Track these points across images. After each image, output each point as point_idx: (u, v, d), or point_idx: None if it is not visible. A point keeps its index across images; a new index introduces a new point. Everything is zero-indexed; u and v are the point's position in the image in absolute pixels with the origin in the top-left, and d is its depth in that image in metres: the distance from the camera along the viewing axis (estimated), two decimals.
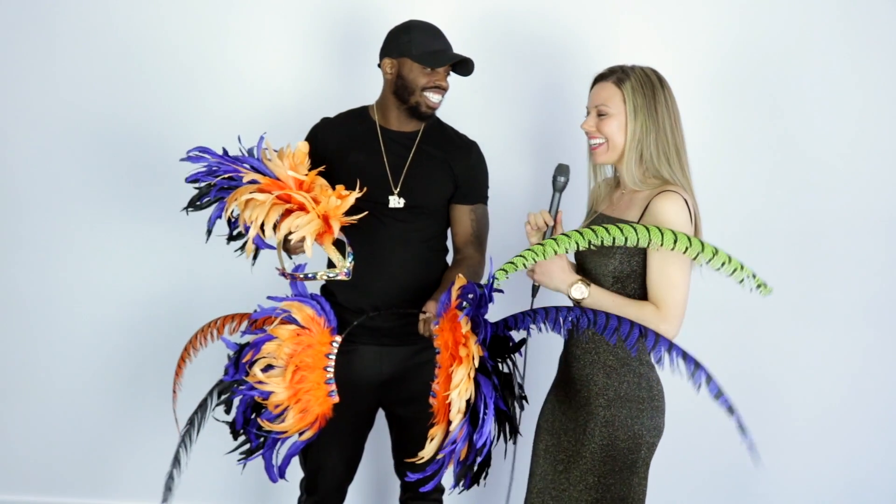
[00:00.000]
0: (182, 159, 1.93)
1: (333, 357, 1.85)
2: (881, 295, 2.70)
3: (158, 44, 2.67)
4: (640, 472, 1.87)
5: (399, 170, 2.14)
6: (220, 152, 1.94)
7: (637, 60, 1.89)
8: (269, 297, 1.89)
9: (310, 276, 1.89)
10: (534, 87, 2.68)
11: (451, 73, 2.12)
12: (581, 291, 1.78)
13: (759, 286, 1.60)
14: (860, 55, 2.62)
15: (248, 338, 1.88)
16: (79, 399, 2.80)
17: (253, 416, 1.86)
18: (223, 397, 1.87)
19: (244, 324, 1.97)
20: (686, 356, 1.50)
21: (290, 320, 1.83)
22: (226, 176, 1.86)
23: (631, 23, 2.64)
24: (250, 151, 1.93)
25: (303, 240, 1.82)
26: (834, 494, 2.79)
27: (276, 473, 1.89)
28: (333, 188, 2.15)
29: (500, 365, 1.68)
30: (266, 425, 1.80)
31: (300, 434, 1.83)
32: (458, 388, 1.57)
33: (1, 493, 2.84)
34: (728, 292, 2.59)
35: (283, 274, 1.90)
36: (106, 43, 2.67)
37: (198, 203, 1.92)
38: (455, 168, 2.17)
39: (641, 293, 1.83)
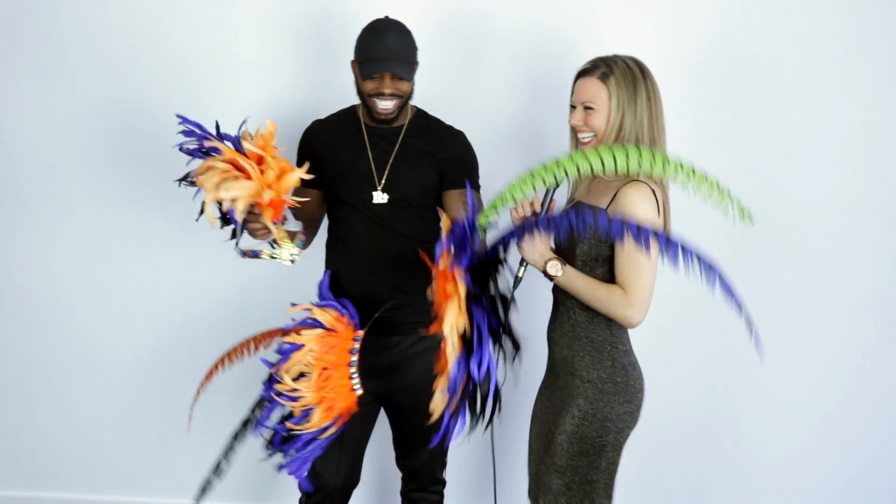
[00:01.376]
0: (179, 132, 1.93)
1: (356, 353, 1.88)
2: (881, 292, 2.68)
3: (159, 40, 2.65)
4: (609, 455, 1.91)
5: (383, 165, 2.15)
6: (214, 129, 1.95)
7: (620, 51, 1.90)
8: (293, 305, 1.92)
9: (255, 252, 1.94)
10: (520, 78, 2.64)
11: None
12: (556, 269, 1.83)
13: (742, 215, 1.58)
14: (854, 46, 2.57)
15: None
16: (104, 397, 2.84)
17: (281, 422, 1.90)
18: (257, 412, 1.91)
19: (277, 338, 1.99)
20: (699, 257, 1.44)
21: (315, 325, 1.87)
22: (205, 149, 1.87)
23: (616, 15, 2.60)
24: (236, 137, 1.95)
25: (237, 202, 1.80)
26: (834, 494, 2.78)
27: (305, 482, 1.93)
28: (325, 187, 2.20)
29: (490, 289, 1.67)
30: (294, 428, 1.83)
31: (324, 430, 1.86)
32: (449, 322, 1.58)
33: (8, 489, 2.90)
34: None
35: (243, 253, 1.95)
36: (106, 38, 2.65)
37: (188, 178, 1.95)
38: (439, 158, 2.18)
39: (607, 278, 1.87)
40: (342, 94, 2.33)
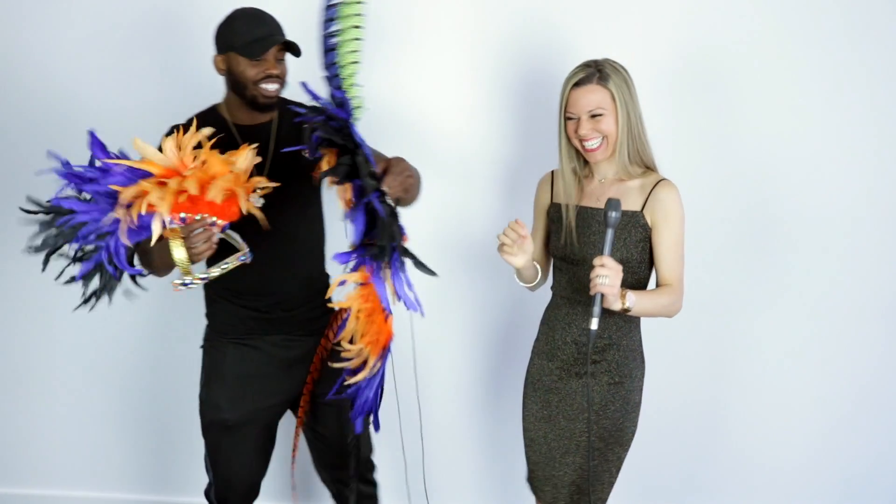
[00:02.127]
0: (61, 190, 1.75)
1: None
2: (884, 291, 2.60)
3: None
4: (630, 443, 2.00)
5: (261, 165, 2.01)
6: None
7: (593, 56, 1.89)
8: (336, 256, 1.75)
9: (203, 276, 1.83)
10: (509, 82, 2.54)
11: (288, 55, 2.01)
12: (632, 298, 1.77)
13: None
14: (853, 41, 2.47)
15: None
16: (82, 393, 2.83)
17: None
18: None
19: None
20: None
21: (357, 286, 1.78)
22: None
23: (593, 20, 2.48)
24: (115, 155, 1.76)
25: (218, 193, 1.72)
26: (834, 495, 2.73)
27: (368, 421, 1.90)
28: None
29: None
30: (352, 379, 1.81)
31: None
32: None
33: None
34: (728, 291, 2.62)
35: (182, 285, 1.82)
36: None
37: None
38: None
39: (638, 278, 1.91)
40: (197, 94, 2.17)
